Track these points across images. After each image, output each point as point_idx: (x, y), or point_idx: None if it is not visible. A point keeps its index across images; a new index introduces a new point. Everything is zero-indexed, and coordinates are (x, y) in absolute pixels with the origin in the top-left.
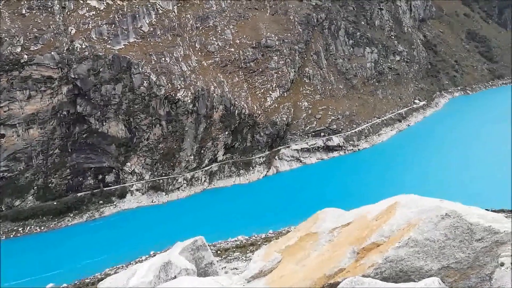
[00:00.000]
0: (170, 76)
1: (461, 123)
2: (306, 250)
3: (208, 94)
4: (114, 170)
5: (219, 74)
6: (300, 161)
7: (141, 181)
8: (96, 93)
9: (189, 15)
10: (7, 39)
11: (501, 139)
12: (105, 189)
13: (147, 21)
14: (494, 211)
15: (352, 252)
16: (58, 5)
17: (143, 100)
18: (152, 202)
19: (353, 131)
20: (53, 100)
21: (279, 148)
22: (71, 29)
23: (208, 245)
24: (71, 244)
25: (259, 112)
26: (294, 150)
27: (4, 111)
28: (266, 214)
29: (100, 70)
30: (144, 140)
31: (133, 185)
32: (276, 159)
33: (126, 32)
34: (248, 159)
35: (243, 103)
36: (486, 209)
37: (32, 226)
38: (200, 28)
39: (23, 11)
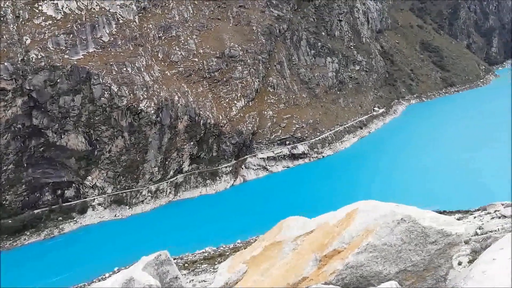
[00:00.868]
0: (132, 87)
1: (418, 129)
2: (271, 259)
3: (172, 104)
4: (73, 185)
5: (183, 84)
6: (267, 170)
7: (103, 195)
8: (53, 105)
9: (151, 25)
10: None
11: (455, 143)
12: (64, 204)
13: (107, 31)
14: (451, 212)
15: (314, 260)
16: (11, 14)
17: (104, 111)
18: (115, 216)
19: (317, 138)
20: (6, 113)
21: (245, 157)
22: (26, 39)
23: (175, 258)
24: (28, 264)
25: (225, 121)
26: (260, 158)
27: None
28: (234, 224)
29: (58, 81)
30: (106, 152)
31: (94, 199)
32: (242, 168)
33: (85, 42)
34: (215, 169)
35: (208, 112)
36: (444, 211)
37: None
38: (163, 38)
39: None
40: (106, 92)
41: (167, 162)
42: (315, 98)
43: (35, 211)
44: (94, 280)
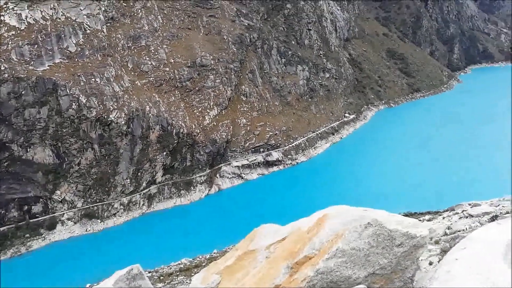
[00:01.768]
0: (102, 97)
1: (387, 133)
2: (244, 268)
3: (143, 115)
4: (41, 200)
5: (154, 94)
6: (242, 178)
7: (73, 210)
8: (18, 118)
9: (119, 35)
10: None
11: (423, 146)
12: (31, 221)
13: (74, 41)
14: (421, 213)
15: (286, 267)
16: None
17: (72, 123)
18: (86, 231)
19: (290, 145)
20: None
21: (220, 165)
22: None
23: (150, 271)
24: None
25: (198, 130)
26: (235, 167)
27: None
28: (210, 234)
29: (23, 93)
30: (75, 165)
31: (64, 214)
32: (217, 177)
33: (50, 52)
34: (189, 179)
35: (180, 122)
36: (415, 212)
37: None
38: (132, 47)
39: None
40: (74, 104)
41: (139, 174)
42: (288, 106)
43: (1, 229)
44: None
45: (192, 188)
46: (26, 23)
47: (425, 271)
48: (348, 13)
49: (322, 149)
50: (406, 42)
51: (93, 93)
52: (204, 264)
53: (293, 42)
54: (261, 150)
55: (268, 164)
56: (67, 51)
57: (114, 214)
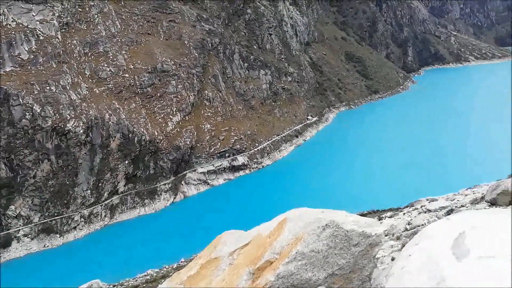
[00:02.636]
0: (58, 106)
1: (349, 134)
2: (207, 277)
3: (103, 123)
4: None
5: (114, 101)
6: (208, 184)
7: (29, 225)
8: None
9: (75, 41)
10: None
11: (384, 145)
12: None
13: (26, 48)
14: (384, 210)
15: (248, 273)
16: None
17: (26, 134)
18: (44, 247)
19: (256, 149)
20: None
21: (185, 172)
22: None
23: (115, 285)
24: None
25: (161, 137)
26: (200, 173)
27: None
28: (176, 242)
29: None
30: (30, 178)
31: (19, 230)
32: (182, 184)
33: (1, 60)
34: (153, 187)
35: (142, 129)
36: (378, 210)
37: None
38: (89, 54)
39: None
40: (27, 113)
41: (100, 184)
42: (252, 110)
43: None
44: None
45: (157, 196)
46: None
47: (382, 269)
48: (307, 18)
49: (287, 151)
50: (363, 46)
51: (48, 102)
52: (171, 274)
53: (255, 47)
54: (227, 155)
55: (234, 168)
56: (19, 59)
57: (74, 228)
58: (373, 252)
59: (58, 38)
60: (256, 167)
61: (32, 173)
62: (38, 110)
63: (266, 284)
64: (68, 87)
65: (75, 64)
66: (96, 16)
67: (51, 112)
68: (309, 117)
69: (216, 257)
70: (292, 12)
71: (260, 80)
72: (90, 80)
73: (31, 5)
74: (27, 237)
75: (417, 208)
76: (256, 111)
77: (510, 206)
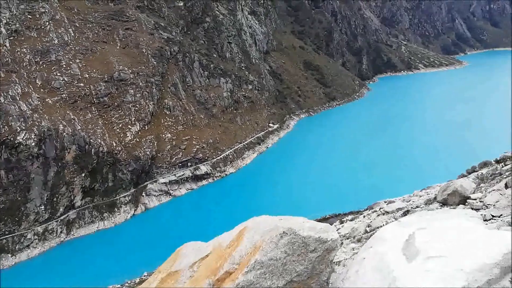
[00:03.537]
0: (7, 118)
1: (310, 140)
2: None
3: (57, 134)
4: None
5: (68, 112)
6: (170, 194)
7: None
8: None
9: (25, 49)
10: None
11: (343, 151)
12: None
13: None
14: (345, 214)
15: (208, 285)
16: None
17: None
18: None
19: (218, 157)
20: None
21: (145, 183)
22: None
23: None
24: None
25: (119, 148)
26: (162, 183)
27: None
28: (139, 256)
29: None
30: None
31: None
32: (143, 196)
33: None
34: (112, 200)
35: (99, 140)
36: (339, 213)
37: None
38: (41, 63)
39: None
40: None
41: (55, 199)
42: (213, 118)
43: None
44: None
45: (116, 209)
46: None
47: (339, 273)
48: (266, 27)
49: (250, 159)
50: (321, 54)
51: None
52: None
53: (214, 55)
54: (189, 164)
55: (196, 178)
56: None
57: (28, 246)
58: (329, 257)
59: (6, 46)
60: (220, 175)
61: None
62: None
63: None
64: (18, 98)
65: (25, 73)
66: (47, 23)
67: None
68: (270, 124)
69: (176, 271)
70: (250, 21)
71: (221, 88)
72: (42, 90)
73: None
74: None
75: (376, 211)
76: (217, 119)
77: (460, 205)
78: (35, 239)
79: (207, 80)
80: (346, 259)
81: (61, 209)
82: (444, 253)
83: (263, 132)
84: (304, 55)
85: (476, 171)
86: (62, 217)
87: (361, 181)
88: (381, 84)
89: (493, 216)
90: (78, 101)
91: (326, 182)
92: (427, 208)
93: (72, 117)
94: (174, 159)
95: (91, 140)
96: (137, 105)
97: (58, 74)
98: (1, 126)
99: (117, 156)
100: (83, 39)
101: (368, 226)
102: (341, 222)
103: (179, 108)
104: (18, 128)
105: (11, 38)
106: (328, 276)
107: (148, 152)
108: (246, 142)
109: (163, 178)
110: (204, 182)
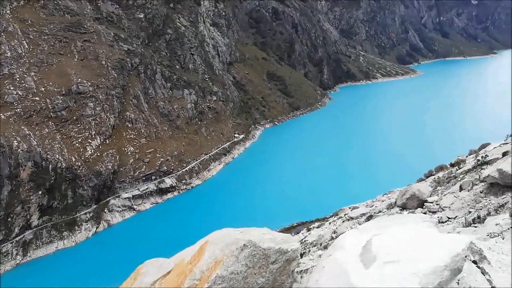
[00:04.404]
0: None
1: (275, 150)
2: None
3: (11, 151)
4: None
5: (22, 127)
6: (134, 210)
7: None
8: None
9: None
10: None
11: (309, 160)
12: None
13: None
14: (311, 221)
15: None
16: None
17: None
18: None
19: (184, 170)
20: None
21: (107, 199)
22: None
23: None
24: None
25: (79, 163)
26: (125, 198)
27: None
28: (99, 276)
29: None
30: None
31: None
32: (105, 212)
33: None
34: (72, 218)
35: (57, 156)
36: (306, 221)
37: None
38: None
39: None
40: None
41: (9, 219)
42: (177, 130)
43: None
44: None
45: (77, 227)
46: None
47: (300, 282)
48: (228, 39)
49: (216, 170)
50: (283, 65)
51: None
52: None
53: (177, 67)
54: (153, 177)
55: (161, 191)
56: None
57: None
58: (291, 267)
59: None
60: (186, 188)
61: None
62: None
63: None
64: None
65: None
66: None
67: None
68: (236, 134)
69: None
70: (213, 32)
71: (184, 100)
72: None
73: None
74: None
75: (341, 217)
76: (182, 131)
77: (418, 209)
78: None
79: (170, 91)
80: (313, 266)
81: (16, 230)
82: (399, 258)
83: (229, 143)
84: (267, 66)
85: (433, 175)
86: (17, 238)
87: (326, 188)
88: (341, 93)
89: (448, 218)
90: (34, 116)
91: (293, 190)
92: (389, 213)
93: (27, 132)
94: (137, 173)
95: (48, 156)
96: (98, 119)
97: (11, 88)
98: None
99: (77, 171)
100: (38, 51)
101: (334, 233)
102: (308, 230)
103: (142, 121)
104: None
105: None
106: (290, 286)
107: (109, 167)
108: (212, 153)
109: (126, 193)
110: (170, 195)
